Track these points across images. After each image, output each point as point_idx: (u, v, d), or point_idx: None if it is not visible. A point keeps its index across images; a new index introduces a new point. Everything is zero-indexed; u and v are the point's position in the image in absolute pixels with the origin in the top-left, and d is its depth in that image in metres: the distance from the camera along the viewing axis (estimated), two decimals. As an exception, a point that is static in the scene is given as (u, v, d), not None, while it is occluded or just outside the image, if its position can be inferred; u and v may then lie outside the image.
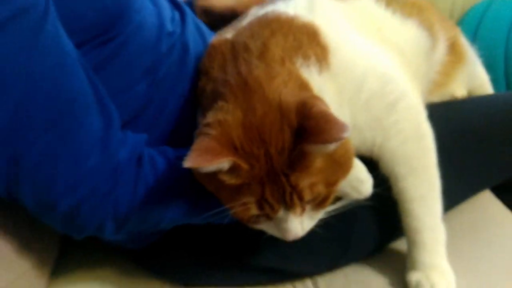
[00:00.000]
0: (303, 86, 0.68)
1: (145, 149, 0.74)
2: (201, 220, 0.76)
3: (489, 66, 1.72)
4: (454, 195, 0.91)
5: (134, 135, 0.75)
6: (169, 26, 0.84)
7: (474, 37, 1.79)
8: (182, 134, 0.78)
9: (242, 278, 0.89)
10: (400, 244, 0.88)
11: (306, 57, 0.71)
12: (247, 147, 0.62)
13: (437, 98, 0.98)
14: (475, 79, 1.11)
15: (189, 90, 0.82)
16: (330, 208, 0.71)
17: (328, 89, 0.72)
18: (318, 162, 0.62)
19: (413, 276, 0.79)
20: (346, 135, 0.57)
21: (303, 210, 0.65)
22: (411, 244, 0.80)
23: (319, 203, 0.66)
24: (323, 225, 0.72)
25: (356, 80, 0.74)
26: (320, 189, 0.63)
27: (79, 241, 0.76)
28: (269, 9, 0.82)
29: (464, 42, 1.04)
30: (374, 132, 0.77)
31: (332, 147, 0.61)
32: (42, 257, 0.88)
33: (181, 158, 0.59)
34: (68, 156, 0.66)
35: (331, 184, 0.65)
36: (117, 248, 0.89)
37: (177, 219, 0.76)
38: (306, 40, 0.73)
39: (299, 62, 0.71)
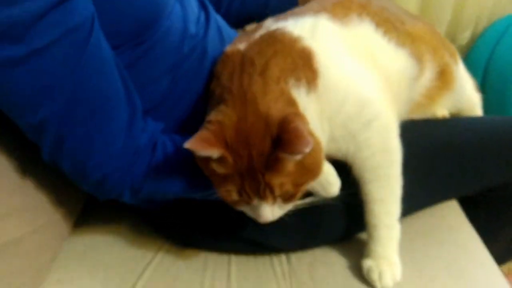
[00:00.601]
0: (291, 103, 0.77)
1: (160, 136, 0.83)
2: (198, 195, 0.88)
3: (504, 81, 1.77)
4: (416, 201, 1.00)
5: (153, 123, 0.84)
6: (192, 28, 0.89)
7: (493, 51, 1.79)
8: (192, 125, 0.81)
9: (229, 245, 0.99)
10: (365, 234, 0.93)
11: (298, 79, 0.79)
12: (235, 146, 0.73)
13: (418, 116, 1.03)
14: (465, 102, 1.13)
15: (202, 89, 0.89)
16: (299, 202, 0.82)
17: (312, 108, 0.79)
18: (289, 167, 0.73)
19: (366, 263, 0.89)
20: (308, 150, 0.67)
21: (274, 201, 0.76)
22: (369, 236, 0.89)
23: (288, 198, 0.77)
24: (296, 212, 0.82)
25: (337, 103, 0.81)
26: (289, 187, 0.74)
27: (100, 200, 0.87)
28: (280, 25, 0.87)
29: (455, 69, 1.05)
30: (348, 144, 0.84)
31: (298, 157, 0.71)
32: (69, 209, 1.00)
33: None
34: (100, 140, 0.76)
35: (298, 184, 0.76)
36: (131, 207, 0.96)
37: (179, 193, 0.87)
38: (301, 63, 0.80)
39: (291, 82, 0.78)
